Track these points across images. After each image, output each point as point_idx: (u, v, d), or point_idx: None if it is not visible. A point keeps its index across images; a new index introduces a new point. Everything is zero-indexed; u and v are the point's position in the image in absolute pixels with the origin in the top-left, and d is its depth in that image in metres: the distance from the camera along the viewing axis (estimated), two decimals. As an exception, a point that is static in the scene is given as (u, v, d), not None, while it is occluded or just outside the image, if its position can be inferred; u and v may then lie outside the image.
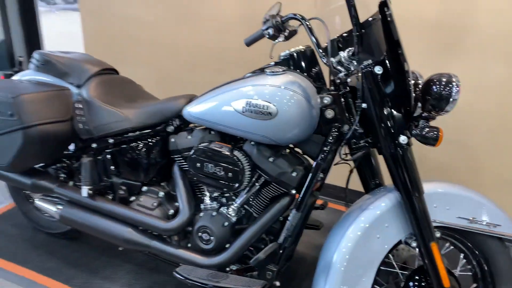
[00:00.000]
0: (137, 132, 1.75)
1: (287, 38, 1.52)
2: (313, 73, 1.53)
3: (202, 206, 1.68)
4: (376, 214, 1.42)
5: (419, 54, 2.19)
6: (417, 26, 2.15)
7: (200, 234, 1.63)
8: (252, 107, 1.44)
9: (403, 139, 1.35)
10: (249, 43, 1.56)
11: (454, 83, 1.33)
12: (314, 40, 1.42)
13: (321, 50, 1.42)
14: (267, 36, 1.48)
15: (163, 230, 1.66)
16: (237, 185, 1.53)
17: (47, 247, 2.13)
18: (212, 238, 1.61)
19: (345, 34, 1.53)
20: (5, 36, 3.89)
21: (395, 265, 1.53)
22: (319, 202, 1.84)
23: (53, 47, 3.93)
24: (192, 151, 1.59)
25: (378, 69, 1.34)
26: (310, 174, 1.49)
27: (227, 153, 1.53)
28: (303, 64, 1.52)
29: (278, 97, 1.42)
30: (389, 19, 1.32)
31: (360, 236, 1.41)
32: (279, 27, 1.46)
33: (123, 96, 1.85)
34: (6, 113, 1.69)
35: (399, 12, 2.15)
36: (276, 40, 1.49)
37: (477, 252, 1.51)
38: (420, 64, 2.20)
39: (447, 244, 1.56)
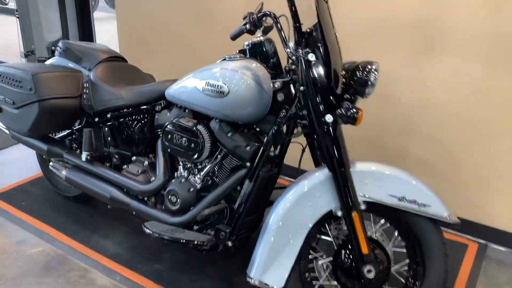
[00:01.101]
0: (130, 109, 2.06)
1: (264, 32, 1.75)
2: (271, 61, 1.74)
3: (175, 174, 1.95)
4: (310, 185, 1.60)
5: (398, 54, 2.32)
6: (396, 28, 2.28)
7: (169, 196, 1.90)
8: (209, 86, 1.69)
9: (328, 117, 1.53)
10: (233, 37, 1.81)
11: (373, 70, 1.50)
12: (282, 34, 1.62)
13: (291, 44, 1.61)
14: (245, 30, 1.72)
15: (141, 191, 1.96)
16: (197, 155, 1.78)
17: (62, 207, 2.51)
18: (178, 200, 1.87)
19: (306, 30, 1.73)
20: (63, 34, 4.44)
21: (330, 235, 1.70)
22: (283, 182, 2.03)
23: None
24: (166, 124, 1.87)
25: (311, 56, 1.54)
26: (261, 148, 1.71)
27: (191, 127, 1.78)
28: (260, 52, 1.74)
29: (229, 79, 1.66)
30: (318, 16, 1.50)
31: (294, 203, 1.60)
32: (255, 23, 1.70)
33: (123, 79, 2.17)
34: (27, 88, 2.06)
35: (379, 14, 2.30)
36: (254, 35, 1.72)
37: (409, 230, 1.64)
38: (400, 64, 2.32)
39: (382, 221, 1.70)
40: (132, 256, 2.13)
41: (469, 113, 2.23)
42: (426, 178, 2.35)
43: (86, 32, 4.59)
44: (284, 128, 1.74)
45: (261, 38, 1.75)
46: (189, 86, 1.78)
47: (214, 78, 1.69)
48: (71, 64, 2.27)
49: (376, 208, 1.64)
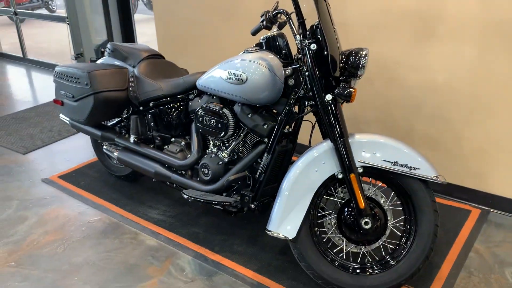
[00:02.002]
0: (168, 98, 2.44)
1: (279, 28, 2.09)
2: (283, 52, 2.07)
3: (207, 151, 2.32)
4: (316, 154, 1.93)
5: (402, 42, 2.59)
6: (399, 19, 2.55)
7: (202, 169, 2.27)
8: (231, 75, 2.04)
9: (328, 96, 1.85)
10: (253, 33, 2.15)
11: (363, 55, 1.80)
12: (293, 29, 1.94)
13: (297, 36, 1.93)
14: (263, 27, 2.07)
15: (178, 166, 2.34)
16: (223, 133, 2.14)
17: (114, 184, 2.94)
18: (210, 172, 2.24)
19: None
20: (108, 37, 4.92)
21: (335, 196, 2.02)
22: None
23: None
24: (198, 109, 2.24)
25: (313, 46, 1.85)
26: (276, 126, 2.05)
27: (218, 110, 2.14)
28: (274, 45, 2.07)
29: (247, 68, 2.00)
30: (318, 14, 1.81)
31: (303, 169, 1.93)
32: (271, 20, 2.03)
33: (162, 73, 2.56)
34: (83, 83, 2.49)
35: (383, 6, 2.58)
36: (270, 30, 2.05)
37: (402, 190, 1.94)
38: (404, 50, 2.59)
39: (380, 184, 2.00)
40: (173, 222, 2.53)
41: (467, 91, 2.47)
42: (432, 152, 2.64)
43: (128, 33, 5.06)
44: (296, 108, 2.08)
45: (274, 32, 2.08)
46: (215, 76, 2.14)
47: (235, 68, 2.04)
48: (118, 63, 2.69)
49: (373, 173, 1.95)
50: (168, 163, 2.39)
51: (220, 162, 2.23)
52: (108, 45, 2.74)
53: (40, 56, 6.41)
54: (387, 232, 2.00)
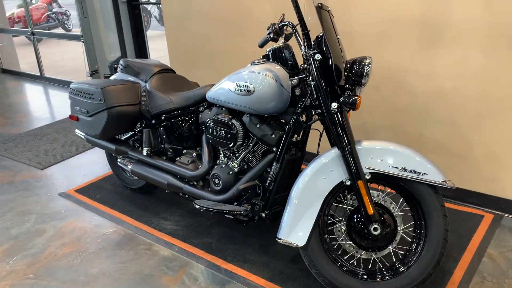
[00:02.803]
0: (179, 111, 2.50)
1: (285, 39, 2.14)
2: (289, 63, 2.12)
3: (217, 162, 2.37)
4: (324, 161, 1.96)
5: (409, 49, 2.61)
6: (405, 26, 2.58)
7: (213, 179, 2.32)
8: (239, 87, 2.09)
9: (334, 105, 1.88)
10: (261, 45, 2.20)
11: (367, 64, 1.83)
12: (299, 40, 1.98)
13: (302, 47, 1.97)
14: (270, 39, 2.12)
15: (190, 177, 2.39)
16: (232, 144, 2.18)
17: (128, 197, 3.01)
18: (220, 182, 2.28)
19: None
20: (121, 53, 5.04)
21: (345, 203, 2.04)
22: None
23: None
24: (207, 120, 2.29)
25: (317, 56, 1.90)
26: (284, 135, 2.09)
27: (227, 121, 2.19)
28: (280, 56, 2.12)
29: (254, 79, 2.05)
30: (322, 25, 1.86)
31: (311, 176, 1.96)
32: (278, 32, 2.09)
33: (172, 87, 2.63)
34: (97, 99, 2.57)
35: (389, 14, 2.61)
36: (277, 42, 2.10)
37: (411, 195, 1.95)
38: (411, 57, 2.62)
39: (388, 190, 2.02)
40: (187, 232, 2.57)
41: (476, 96, 2.48)
42: (442, 158, 2.64)
43: (141, 49, 5.18)
44: (304, 117, 2.11)
45: (280, 44, 2.14)
46: (224, 88, 2.19)
47: (242, 79, 2.09)
48: (130, 78, 2.77)
49: (381, 179, 1.97)
50: (180, 174, 2.44)
51: (231, 172, 2.27)
52: (121, 62, 2.82)
53: (57, 74, 6.58)
54: (398, 238, 2.02)
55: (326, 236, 2.03)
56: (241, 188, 2.15)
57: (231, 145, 2.20)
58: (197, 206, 2.22)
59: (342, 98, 1.87)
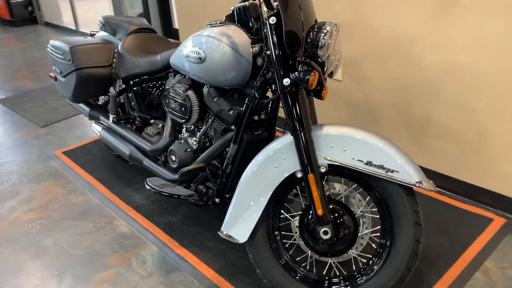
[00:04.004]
0: (146, 77, 2.26)
1: None
2: (254, 27, 1.79)
3: (179, 136, 2.12)
4: (276, 148, 1.65)
5: (417, 13, 2.16)
6: (414, -17, 2.13)
7: (170, 155, 2.08)
8: (191, 52, 1.81)
9: (285, 81, 1.54)
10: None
11: (323, 31, 1.46)
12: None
13: (262, 8, 1.65)
14: None
15: (149, 150, 2.17)
16: (186, 118, 1.92)
17: (111, 164, 2.86)
18: (176, 159, 2.04)
19: None
20: (144, 10, 4.83)
21: (301, 196, 1.73)
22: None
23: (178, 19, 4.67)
24: (165, 89, 2.04)
25: (272, 20, 1.55)
26: (242, 113, 1.79)
27: (181, 92, 1.92)
28: (244, 18, 1.79)
29: (206, 45, 1.75)
30: None
31: (261, 164, 1.66)
32: None
33: (145, 49, 2.38)
34: (67, 59, 2.38)
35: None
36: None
37: (379, 195, 1.61)
38: (419, 23, 2.16)
39: (355, 186, 1.68)
40: (154, 208, 2.39)
41: (498, 76, 2.01)
42: (452, 147, 2.23)
43: (165, 7, 4.94)
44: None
45: (246, 3, 1.80)
46: (180, 53, 1.91)
47: (195, 44, 1.80)
48: (110, 37, 2.55)
49: (346, 172, 1.63)
50: (141, 145, 2.23)
51: (188, 150, 2.03)
52: (101, 19, 2.60)
53: (91, 29, 6.55)
54: (364, 242, 1.70)
55: (276, 233, 1.75)
56: (185, 171, 1.89)
57: (184, 120, 1.94)
58: (147, 187, 2.01)
59: (295, 73, 1.53)
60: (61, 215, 2.41)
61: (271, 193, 1.66)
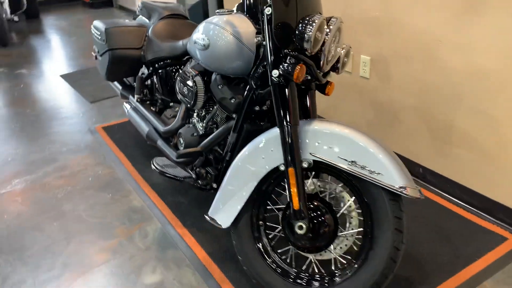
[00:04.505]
0: (168, 61, 2.35)
1: None
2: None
3: (190, 120, 2.20)
4: (265, 139, 1.66)
5: (444, 11, 2.04)
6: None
7: (179, 138, 2.16)
8: (198, 39, 1.85)
9: (274, 72, 1.54)
10: None
11: (311, 22, 1.44)
12: None
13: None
14: None
15: (162, 131, 2.27)
16: (192, 103, 1.98)
17: (141, 142, 3.01)
18: (183, 143, 2.12)
19: None
20: (202, -2, 4.97)
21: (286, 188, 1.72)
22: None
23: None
24: (178, 73, 2.11)
25: (268, 11, 1.55)
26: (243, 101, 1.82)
27: (189, 77, 1.98)
28: (252, 7, 1.80)
29: (211, 33, 1.79)
30: None
31: (250, 154, 1.68)
32: None
33: (173, 34, 2.47)
34: (102, 39, 2.54)
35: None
36: None
37: (363, 197, 1.57)
38: (445, 22, 2.04)
39: (341, 184, 1.65)
40: (167, 187, 2.49)
41: (523, 84, 1.86)
42: (471, 156, 2.12)
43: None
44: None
45: (254, -7, 1.81)
46: (192, 39, 1.97)
47: (203, 31, 1.84)
48: (146, 21, 2.67)
49: (331, 171, 1.61)
50: (156, 126, 2.33)
51: (195, 134, 2.09)
52: (139, 3, 2.73)
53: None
54: (348, 243, 1.67)
55: (260, 223, 1.76)
56: (181, 153, 1.96)
57: (190, 104, 2.00)
58: (152, 167, 2.11)
59: (284, 65, 1.53)
60: (86, 184, 2.59)
61: (256, 183, 1.67)
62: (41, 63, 4.91)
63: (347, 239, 1.67)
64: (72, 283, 1.89)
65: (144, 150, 2.90)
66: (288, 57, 1.53)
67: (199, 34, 1.83)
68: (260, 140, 1.67)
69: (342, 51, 1.74)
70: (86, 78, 4.31)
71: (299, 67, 1.48)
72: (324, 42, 1.59)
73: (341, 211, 1.64)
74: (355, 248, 1.66)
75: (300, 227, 1.57)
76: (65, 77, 4.41)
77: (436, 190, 2.36)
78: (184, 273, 1.92)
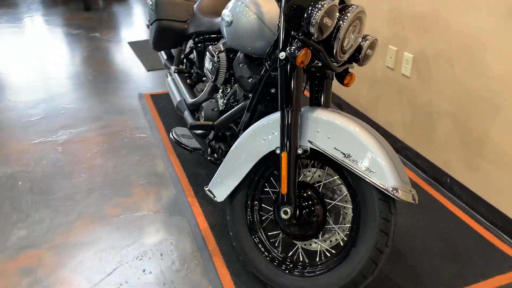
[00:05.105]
0: (207, 36, 2.41)
1: None
2: None
3: (214, 95, 2.25)
4: (268, 121, 1.66)
5: (494, 14, 1.88)
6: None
7: (201, 111, 2.22)
8: (224, 15, 1.88)
9: (281, 54, 1.53)
10: None
11: (319, 8, 1.40)
12: None
13: None
14: None
15: (188, 103, 2.34)
16: (213, 78, 2.02)
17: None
18: (203, 116, 2.17)
19: None
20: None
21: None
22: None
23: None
24: (206, 48, 2.16)
25: (284, -6, 1.54)
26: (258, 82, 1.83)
27: (214, 52, 2.02)
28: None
29: (235, 10, 1.81)
30: None
31: (252, 134, 1.70)
32: None
33: (216, 11, 2.52)
34: (152, 9, 2.66)
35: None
36: None
37: (354, 192, 1.53)
38: (492, 26, 1.89)
39: (337, 177, 1.62)
40: (192, 158, 2.58)
41: None
42: (502, 173, 1.98)
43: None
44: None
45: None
46: (222, 15, 2.00)
47: (230, 8, 1.86)
48: (199, -5, 2.75)
49: (328, 162, 1.58)
50: (184, 97, 2.41)
51: (215, 109, 2.14)
52: (194, -22, 2.81)
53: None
54: (338, 238, 1.64)
55: (255, 203, 1.78)
56: (193, 124, 2.01)
57: (211, 79, 2.04)
58: (170, 135, 2.19)
59: (290, 48, 1.51)
60: (121, 144, 2.75)
61: (254, 163, 1.69)
62: (115, 29, 5.21)
63: (338, 233, 1.65)
64: (81, 230, 2.04)
65: (181, 121, 3.01)
66: (296, 40, 1.51)
67: (226, 11, 1.86)
68: (264, 122, 1.68)
69: (365, 42, 1.68)
70: (149, 48, 4.51)
71: (303, 51, 1.46)
72: (338, 30, 1.54)
73: (332, 204, 1.61)
74: (341, 244, 1.63)
75: (285, 212, 1.57)
76: (132, 44, 4.65)
77: (460, 203, 2.22)
78: (183, 239, 2.00)
